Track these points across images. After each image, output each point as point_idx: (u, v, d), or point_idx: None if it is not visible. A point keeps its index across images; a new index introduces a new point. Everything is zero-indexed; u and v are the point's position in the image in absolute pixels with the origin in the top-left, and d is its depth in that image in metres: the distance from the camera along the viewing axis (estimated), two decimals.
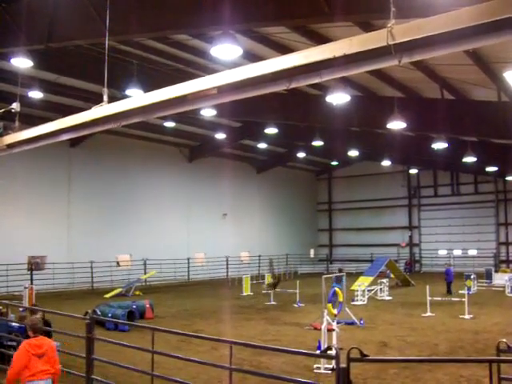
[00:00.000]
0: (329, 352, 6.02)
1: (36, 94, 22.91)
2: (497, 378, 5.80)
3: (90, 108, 10.83)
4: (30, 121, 22.22)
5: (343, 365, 5.33)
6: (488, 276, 33.98)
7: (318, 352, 11.01)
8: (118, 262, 35.59)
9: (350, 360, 5.33)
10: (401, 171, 51.68)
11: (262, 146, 40.30)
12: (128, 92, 20.21)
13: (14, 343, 10.84)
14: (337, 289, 15.92)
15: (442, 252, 49.64)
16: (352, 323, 18.35)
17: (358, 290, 25.55)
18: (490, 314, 20.78)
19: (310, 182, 57.13)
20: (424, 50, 6.70)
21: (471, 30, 6.07)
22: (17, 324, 11.85)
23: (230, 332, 17.15)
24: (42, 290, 27.40)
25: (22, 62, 16.78)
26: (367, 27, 14.73)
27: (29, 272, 29.05)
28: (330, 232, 57.23)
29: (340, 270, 29.72)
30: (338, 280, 26.84)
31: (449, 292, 28.70)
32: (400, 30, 6.54)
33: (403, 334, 16.46)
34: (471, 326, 18.05)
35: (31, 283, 26.35)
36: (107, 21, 11.96)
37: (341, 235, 56.18)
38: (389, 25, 6.58)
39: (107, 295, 27.46)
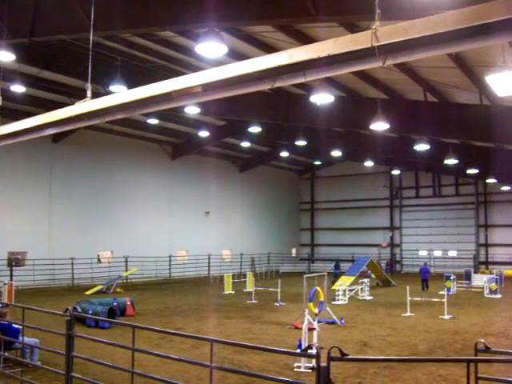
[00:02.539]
0: (309, 351, 6.05)
1: (18, 88, 22.66)
2: (474, 377, 5.86)
3: (73, 103, 10.75)
4: (12, 115, 22.09)
5: (323, 364, 5.35)
6: (467, 277, 34.33)
7: (298, 351, 11.06)
8: (99, 259, 35.40)
9: (330, 359, 5.35)
10: (383, 172, 52.00)
11: (246, 144, 40.36)
12: (112, 88, 20.09)
13: None
14: (318, 288, 16.01)
15: (423, 253, 50.10)
16: (333, 322, 18.43)
17: (339, 290, 25.65)
18: (469, 315, 21.00)
19: (292, 181, 57.25)
20: (408, 53, 6.75)
21: (455, 33, 6.13)
22: None
23: (211, 330, 17.15)
24: (21, 287, 27.17)
25: (4, 56, 16.57)
26: (352, 28, 14.84)
27: (9, 268, 28.78)
28: (311, 231, 57.42)
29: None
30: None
31: (423, 289, 30.48)
32: (384, 32, 6.58)
33: (383, 334, 16.56)
34: (450, 326, 18.23)
35: (11, 279, 26.13)
36: (92, 16, 11.88)
37: (323, 235, 56.41)
38: (373, 26, 6.62)
39: (88, 292, 27.27)
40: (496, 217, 47.73)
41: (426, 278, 31.39)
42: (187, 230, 42.04)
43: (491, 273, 34.70)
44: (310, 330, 13.63)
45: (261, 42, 18.36)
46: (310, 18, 12.79)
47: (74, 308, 17.89)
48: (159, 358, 11.01)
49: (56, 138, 31.86)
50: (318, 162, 52.86)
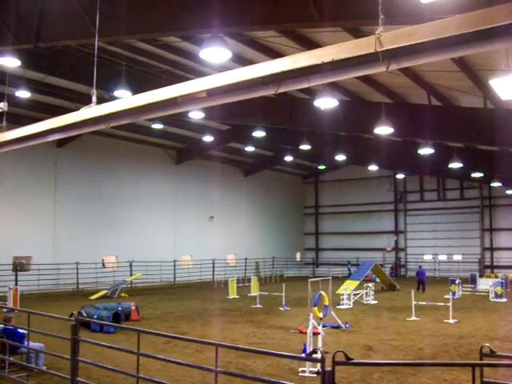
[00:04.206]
0: (314, 355, 6.06)
1: (24, 94, 22.75)
2: (479, 381, 5.86)
3: (77, 108, 10.80)
4: (17, 120, 22.17)
5: (328, 368, 5.36)
6: (472, 281, 34.23)
7: (303, 355, 11.05)
8: (103, 264, 35.44)
9: (335, 363, 5.37)
10: (387, 176, 51.94)
11: (250, 149, 40.32)
12: (116, 93, 20.14)
13: None
14: (323, 292, 16.00)
15: (428, 257, 49.94)
16: (337, 327, 18.39)
17: (343, 294, 25.60)
18: (474, 319, 20.93)
19: (297, 185, 57.20)
20: (411, 57, 6.76)
21: (459, 38, 6.15)
22: (1, 325, 11.74)
23: (216, 335, 17.14)
24: (26, 291, 27.21)
25: (9, 62, 16.66)
26: (356, 33, 14.86)
27: (14, 273, 28.84)
28: (316, 236, 57.34)
29: None
30: None
31: (419, 289, 31.70)
32: (388, 37, 6.60)
33: (388, 338, 16.53)
34: (455, 330, 18.17)
35: (16, 284, 26.17)
36: (96, 22, 11.93)
37: (327, 239, 56.32)
38: (377, 31, 6.64)
39: (93, 297, 27.30)
40: (501, 220, 47.58)
41: (422, 279, 32.73)
42: (192, 234, 42.05)
43: (496, 277, 34.58)
44: (315, 334, 13.63)
45: (265, 47, 18.39)
46: (313, 23, 12.81)
47: (79, 313, 17.93)
48: (164, 363, 11.01)
49: (61, 142, 31.93)
50: (322, 166, 52.71)
